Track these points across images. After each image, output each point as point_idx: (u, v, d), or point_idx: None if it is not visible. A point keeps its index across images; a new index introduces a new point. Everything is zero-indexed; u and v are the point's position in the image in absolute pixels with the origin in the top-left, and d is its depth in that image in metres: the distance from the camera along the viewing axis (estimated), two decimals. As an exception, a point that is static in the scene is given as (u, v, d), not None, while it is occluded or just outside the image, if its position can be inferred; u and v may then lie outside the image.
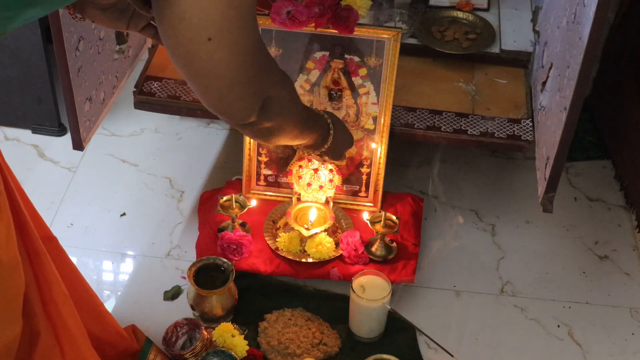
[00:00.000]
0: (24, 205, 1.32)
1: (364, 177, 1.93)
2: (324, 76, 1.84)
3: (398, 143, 2.01)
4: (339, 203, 1.95)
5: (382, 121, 1.86)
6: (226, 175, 2.11)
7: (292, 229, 1.86)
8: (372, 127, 1.87)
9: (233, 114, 1.15)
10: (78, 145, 1.84)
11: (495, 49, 2.06)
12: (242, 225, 1.91)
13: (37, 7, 0.98)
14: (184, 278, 1.86)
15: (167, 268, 1.93)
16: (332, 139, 1.60)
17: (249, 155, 1.93)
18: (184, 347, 1.67)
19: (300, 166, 1.86)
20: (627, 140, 2.11)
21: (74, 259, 1.66)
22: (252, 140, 1.91)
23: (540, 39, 1.98)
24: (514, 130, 1.89)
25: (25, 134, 2.26)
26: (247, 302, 1.82)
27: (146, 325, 1.76)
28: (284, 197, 1.97)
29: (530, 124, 1.90)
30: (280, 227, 1.92)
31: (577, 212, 2.10)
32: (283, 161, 1.93)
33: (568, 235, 2.04)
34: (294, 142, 1.49)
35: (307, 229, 1.84)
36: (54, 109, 2.21)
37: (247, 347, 1.67)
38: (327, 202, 1.90)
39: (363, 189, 1.95)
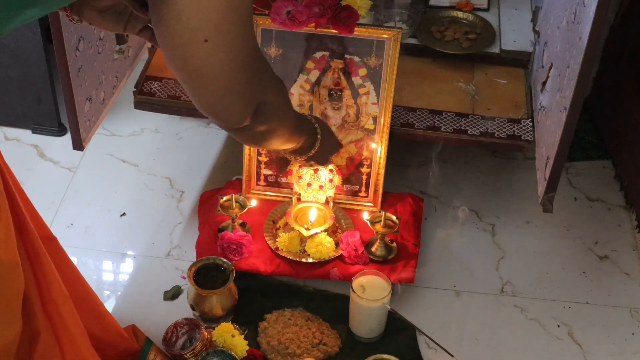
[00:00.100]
0: (24, 205, 1.32)
1: (364, 177, 1.93)
2: (324, 76, 1.84)
3: (398, 143, 2.01)
4: (339, 203, 1.95)
5: (382, 121, 1.86)
6: (226, 175, 2.11)
7: (292, 229, 1.86)
8: (372, 127, 1.87)
9: (228, 117, 1.14)
10: (78, 145, 1.84)
11: (495, 49, 2.06)
12: (242, 225, 1.91)
13: (35, 8, 0.98)
14: (184, 278, 1.86)
15: (167, 268, 1.93)
16: (320, 143, 1.60)
17: (249, 155, 1.93)
18: (184, 347, 1.66)
19: (300, 166, 1.86)
20: (627, 140, 2.11)
21: (74, 259, 1.66)
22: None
23: (540, 39, 1.98)
24: (514, 130, 1.89)
25: (25, 134, 2.26)
26: (247, 302, 1.82)
27: (146, 325, 1.76)
28: (284, 197, 1.97)
29: (530, 124, 1.90)
30: (280, 227, 1.92)
31: (577, 212, 2.10)
32: (283, 161, 1.93)
33: (568, 235, 2.04)
34: (284, 147, 1.48)
35: (307, 229, 1.84)
36: (54, 109, 2.21)
37: (247, 347, 1.67)
38: (327, 202, 1.90)
39: (363, 189, 1.95)
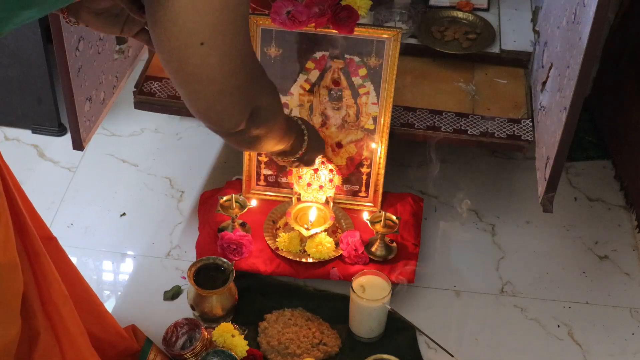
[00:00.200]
0: (24, 205, 1.32)
1: (364, 177, 1.93)
2: (324, 76, 1.84)
3: (398, 143, 2.01)
4: (339, 203, 1.95)
5: (382, 121, 1.86)
6: (226, 175, 2.11)
7: (292, 229, 1.86)
8: (372, 127, 1.87)
9: (223, 121, 1.12)
10: (78, 145, 1.84)
11: (495, 49, 2.06)
12: (242, 225, 1.91)
13: (32, 9, 0.98)
14: (184, 278, 1.86)
15: (167, 268, 1.93)
16: (307, 144, 1.60)
17: (249, 155, 1.93)
18: (184, 347, 1.67)
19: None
20: (627, 140, 2.11)
21: (74, 259, 1.66)
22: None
23: (540, 39, 1.98)
24: (514, 130, 1.89)
25: (25, 134, 2.26)
26: (247, 302, 1.82)
27: (146, 325, 1.76)
28: (284, 197, 1.97)
29: (530, 124, 1.90)
30: (280, 227, 1.92)
31: (577, 212, 2.10)
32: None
33: (568, 235, 2.04)
34: (275, 149, 1.47)
35: (307, 229, 1.84)
36: (54, 109, 2.21)
37: (247, 347, 1.67)
38: (327, 202, 1.90)
39: (363, 189, 1.95)
